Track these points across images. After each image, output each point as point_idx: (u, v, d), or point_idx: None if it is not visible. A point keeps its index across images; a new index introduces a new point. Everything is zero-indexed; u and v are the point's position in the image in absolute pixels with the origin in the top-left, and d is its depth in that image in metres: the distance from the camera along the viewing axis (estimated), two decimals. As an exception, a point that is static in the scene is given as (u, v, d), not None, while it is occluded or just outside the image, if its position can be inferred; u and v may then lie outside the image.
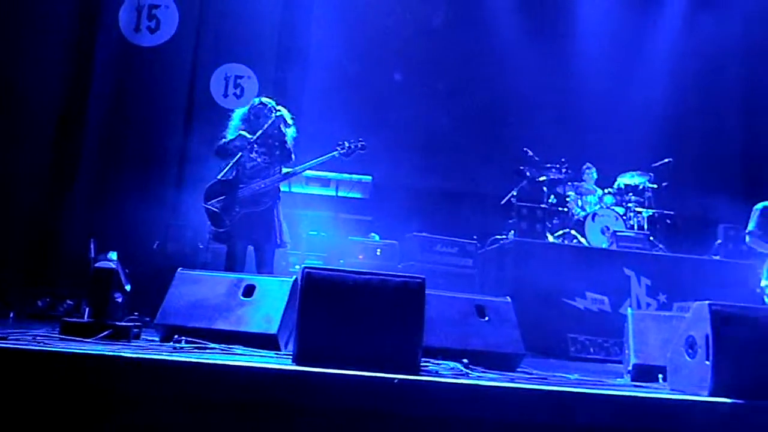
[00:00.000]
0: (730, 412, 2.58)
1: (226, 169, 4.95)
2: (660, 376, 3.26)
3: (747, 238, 5.94)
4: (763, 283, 5.66)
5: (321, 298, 2.62)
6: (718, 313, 2.74)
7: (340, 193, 7.62)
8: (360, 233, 7.53)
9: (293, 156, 5.17)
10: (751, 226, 5.89)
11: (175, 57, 8.20)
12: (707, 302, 2.77)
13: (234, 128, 5.18)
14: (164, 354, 2.58)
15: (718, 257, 7.27)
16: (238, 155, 4.97)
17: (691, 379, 2.81)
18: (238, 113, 5.31)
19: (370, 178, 7.72)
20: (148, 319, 3.93)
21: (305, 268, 2.69)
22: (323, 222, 7.42)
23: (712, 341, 2.71)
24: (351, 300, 2.62)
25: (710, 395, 2.65)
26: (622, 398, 2.51)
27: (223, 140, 5.12)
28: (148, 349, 2.84)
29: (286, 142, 5.16)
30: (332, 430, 2.34)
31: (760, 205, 5.92)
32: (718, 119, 10.10)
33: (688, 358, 2.87)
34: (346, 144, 5.17)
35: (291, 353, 2.69)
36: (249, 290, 3.54)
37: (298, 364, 2.52)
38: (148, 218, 6.95)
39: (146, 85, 7.99)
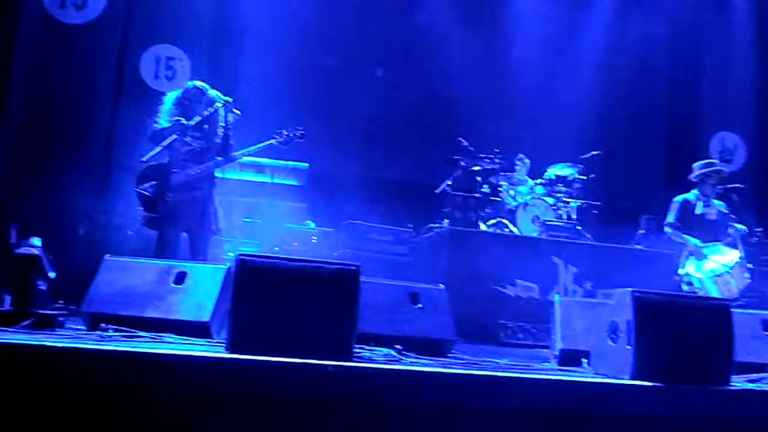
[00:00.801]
0: (650, 394, 2.71)
1: (153, 153, 4.79)
2: (584, 360, 3.39)
3: (666, 229, 6.23)
4: (681, 271, 5.96)
5: (255, 286, 2.60)
6: (639, 300, 2.87)
7: (275, 180, 7.52)
8: (295, 220, 7.48)
9: (228, 147, 5.08)
10: (670, 218, 6.18)
11: (103, 36, 7.89)
12: (629, 290, 2.90)
13: (166, 112, 5.03)
14: (90, 343, 2.50)
15: (640, 247, 7.59)
16: (170, 138, 4.83)
17: (613, 363, 2.94)
18: (171, 97, 5.15)
19: (307, 165, 7.66)
20: (73, 307, 3.79)
21: (239, 255, 2.66)
22: (258, 209, 7.32)
23: (634, 327, 2.83)
24: (285, 287, 2.61)
25: (631, 379, 2.77)
26: (548, 382, 2.61)
27: (158, 126, 4.96)
28: (73, 338, 2.74)
29: (228, 131, 5.06)
30: (266, 419, 2.34)
31: (679, 198, 6.22)
32: (643, 114, 10.53)
33: (611, 343, 3.00)
34: (284, 132, 5.11)
35: (224, 341, 2.66)
36: (180, 277, 3.47)
37: (231, 352, 2.49)
38: (73, 203, 6.69)
39: (72, 65, 7.65)
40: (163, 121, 4.97)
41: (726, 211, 6.12)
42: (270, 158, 7.30)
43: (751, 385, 2.97)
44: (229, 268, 3.41)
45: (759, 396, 2.87)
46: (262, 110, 7.01)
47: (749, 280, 5.79)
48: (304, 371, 2.35)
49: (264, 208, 7.31)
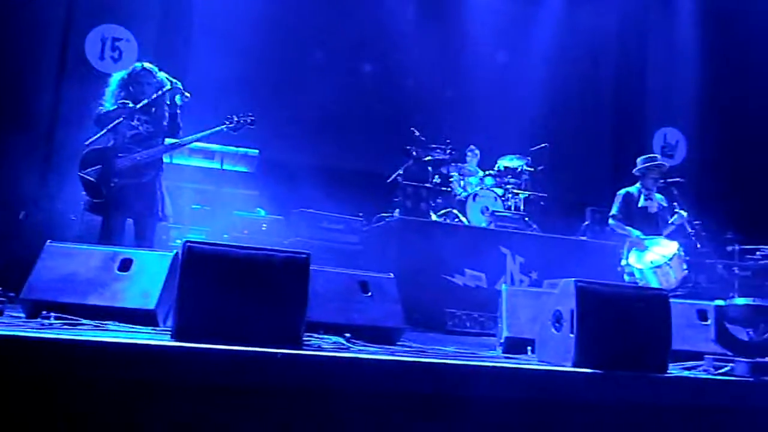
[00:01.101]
0: (591, 381, 2.79)
1: (97, 136, 4.66)
2: (529, 348, 3.47)
3: (610, 221, 6.41)
4: (623, 262, 6.15)
5: (202, 273, 2.56)
6: (582, 290, 2.94)
7: (225, 167, 7.40)
8: (245, 208, 7.39)
9: (176, 132, 4.97)
10: (613, 210, 6.36)
11: (47, 13, 7.61)
12: (573, 280, 2.98)
13: (111, 94, 4.88)
14: (31, 331, 2.43)
15: (585, 238, 7.80)
16: (116, 122, 4.69)
17: (556, 351, 3.01)
18: (117, 78, 5.00)
19: (257, 152, 7.56)
20: (12, 294, 3.67)
21: (186, 242, 2.61)
22: (207, 195, 7.20)
23: (577, 316, 2.91)
24: (234, 275, 2.58)
25: (573, 366, 2.85)
26: (494, 369, 2.66)
27: (103, 109, 4.81)
28: (12, 325, 2.66)
29: (177, 114, 4.95)
30: (213, 407, 2.32)
31: (622, 191, 6.40)
32: (591, 109, 10.79)
33: (554, 332, 3.07)
34: (235, 118, 5.03)
35: (170, 329, 2.62)
36: (125, 264, 3.39)
37: (177, 340, 2.46)
38: (13, 186, 6.45)
39: (13, 43, 7.35)
40: (108, 103, 4.82)
41: (666, 205, 6.34)
42: (220, 144, 7.18)
43: (686, 373, 3.09)
44: (176, 255, 3.35)
45: (694, 383, 2.98)
46: (212, 95, 6.89)
47: (687, 272, 6.01)
48: (252, 359, 2.34)
49: (213, 195, 7.19)
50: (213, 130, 5.02)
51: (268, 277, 2.61)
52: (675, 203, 6.30)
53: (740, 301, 3.25)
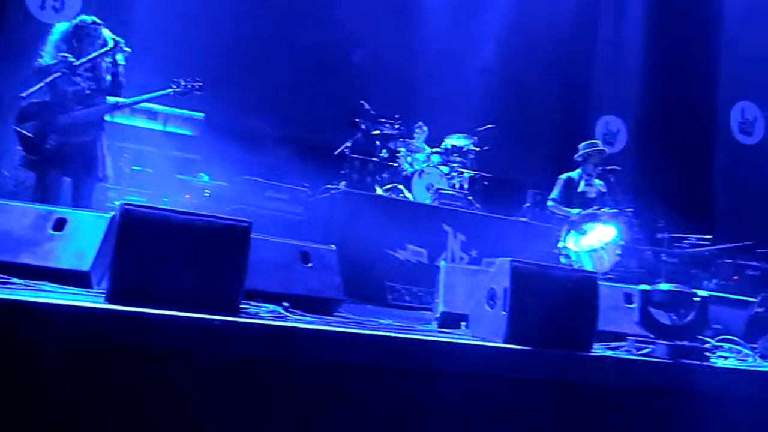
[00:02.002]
0: (520, 357, 2.90)
1: (34, 89, 4.47)
2: (463, 323, 3.56)
3: (549, 203, 6.59)
4: (560, 244, 6.34)
5: (140, 237, 2.52)
6: (517, 269, 3.03)
7: (168, 128, 7.23)
8: (188, 172, 7.25)
9: (120, 91, 4.82)
10: (554, 194, 6.54)
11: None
12: (509, 259, 3.06)
13: (53, 45, 4.68)
14: (-45, 288, 2.35)
15: (525, 219, 7.99)
16: (54, 76, 4.51)
17: (489, 327, 3.10)
18: (60, 29, 4.79)
19: (203, 115, 7.41)
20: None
21: (124, 204, 2.57)
22: (148, 157, 7.03)
23: (510, 294, 3.00)
24: (172, 240, 2.55)
25: (504, 342, 2.94)
26: (427, 342, 2.73)
27: (43, 62, 4.61)
28: (-65, 282, 2.57)
29: (119, 74, 4.79)
30: (147, 372, 2.31)
31: (564, 176, 6.59)
32: (538, 94, 10.97)
33: (488, 309, 3.16)
34: (182, 82, 4.91)
35: (104, 291, 2.58)
36: (60, 224, 3.30)
37: (111, 303, 2.42)
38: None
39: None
40: (48, 56, 4.63)
41: (604, 191, 6.55)
42: (164, 105, 7.00)
43: (609, 353, 3.24)
44: (113, 217, 3.28)
45: (616, 363, 3.13)
46: (158, 54, 6.69)
47: (620, 257, 6.25)
48: (187, 325, 2.33)
49: (155, 157, 7.03)
50: (158, 93, 4.89)
51: (208, 243, 2.59)
52: (610, 194, 6.51)
53: (664, 286, 3.41)
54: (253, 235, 2.72)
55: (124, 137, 6.77)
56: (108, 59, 4.74)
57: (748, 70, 10.54)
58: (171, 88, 4.90)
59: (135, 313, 2.29)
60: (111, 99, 4.83)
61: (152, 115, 7.16)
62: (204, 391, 2.36)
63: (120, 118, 7.01)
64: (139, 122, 7.12)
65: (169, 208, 2.67)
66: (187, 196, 6.93)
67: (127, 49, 4.78)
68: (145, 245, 2.53)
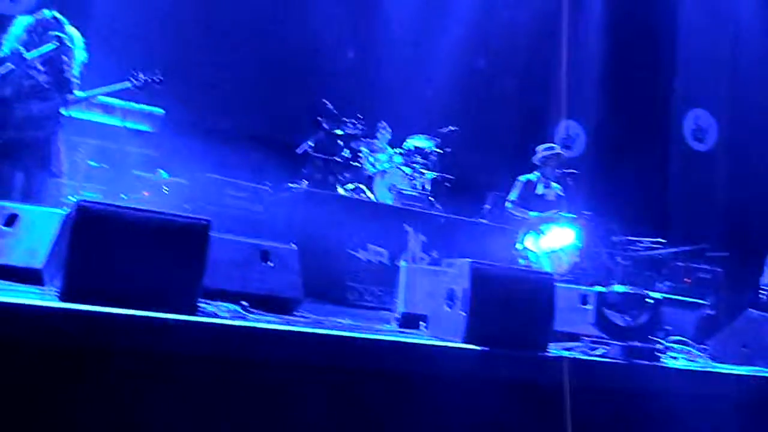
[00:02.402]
0: (478, 357, 2.94)
1: None
2: (422, 323, 3.59)
3: (507, 205, 6.68)
4: (518, 246, 6.43)
5: (95, 234, 2.47)
6: (476, 270, 3.07)
7: (126, 124, 7.05)
8: (146, 169, 7.10)
9: (76, 85, 4.72)
10: (512, 196, 6.63)
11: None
12: (469, 260, 3.10)
13: (14, 38, 4.57)
14: None
15: (485, 221, 8.07)
16: (5, 69, 4.39)
17: (448, 327, 3.14)
18: (23, 22, 4.68)
19: (162, 111, 7.27)
20: None
21: (79, 200, 2.51)
22: (105, 153, 6.86)
23: (469, 294, 3.04)
24: (129, 238, 2.50)
25: (462, 342, 2.98)
26: (386, 342, 2.74)
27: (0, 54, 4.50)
28: None
29: (72, 68, 4.68)
30: (100, 371, 2.26)
31: (522, 178, 6.68)
32: (500, 96, 11.10)
33: (447, 309, 3.19)
34: (142, 76, 4.82)
35: (57, 290, 2.52)
36: (11, 219, 3.21)
37: (64, 302, 2.37)
38: None
39: None
40: (6, 49, 4.52)
41: (562, 194, 6.66)
42: (122, 99, 6.84)
43: (565, 353, 3.30)
44: (68, 213, 3.21)
45: (571, 363, 3.19)
46: (118, 47, 6.57)
47: (578, 259, 6.37)
48: (143, 324, 2.29)
49: (112, 153, 6.87)
50: (117, 86, 4.81)
51: (165, 241, 2.55)
52: (567, 197, 6.63)
53: (619, 288, 3.50)
54: (213, 233, 2.69)
55: (80, 132, 6.57)
56: (67, 56, 4.64)
57: (702, 78, 10.87)
58: (130, 81, 4.81)
59: (89, 312, 2.25)
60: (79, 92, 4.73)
61: (110, 109, 6.97)
62: (160, 392, 2.32)
63: (76, 113, 6.80)
64: (96, 117, 6.92)
65: (126, 205, 2.62)
66: (145, 193, 6.79)
67: (81, 54, 4.69)
68: (100, 242, 2.48)
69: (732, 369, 3.84)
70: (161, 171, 7.25)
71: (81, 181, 6.53)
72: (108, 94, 4.90)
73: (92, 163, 6.75)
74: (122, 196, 6.48)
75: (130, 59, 5.52)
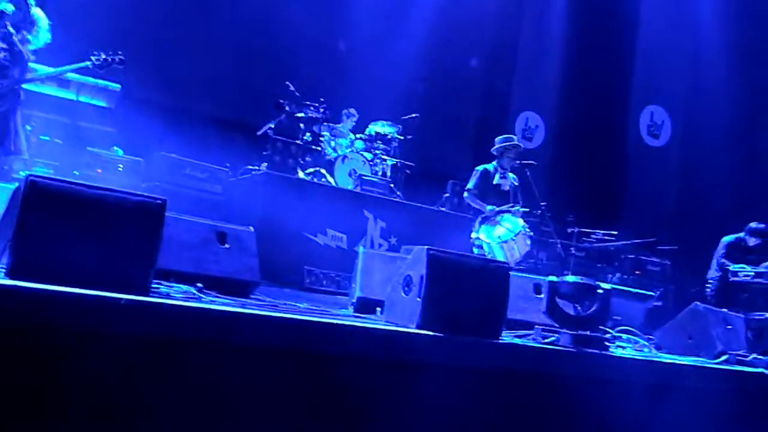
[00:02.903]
0: (432, 343, 2.97)
1: None
2: (378, 309, 3.61)
3: (465, 194, 6.73)
4: (474, 235, 6.49)
5: (45, 210, 2.40)
6: (433, 257, 3.10)
7: (81, 98, 6.86)
8: (101, 145, 6.93)
9: (31, 63, 4.60)
10: (470, 185, 6.67)
11: None
12: (426, 247, 3.12)
13: None
14: None
15: (444, 209, 8.14)
16: None
17: (403, 313, 3.16)
18: None
19: (119, 86, 7.09)
20: None
21: (30, 175, 2.44)
22: (58, 127, 6.66)
23: (426, 281, 3.06)
24: (81, 215, 2.44)
25: (417, 328, 3.01)
26: (341, 327, 2.75)
27: None
28: None
29: (29, 44, 4.55)
30: (49, 350, 2.21)
31: (480, 168, 6.72)
32: (462, 86, 11.17)
33: (403, 295, 3.22)
34: (102, 56, 4.71)
35: (4, 266, 2.45)
36: (-43, 194, 3.10)
37: (11, 278, 2.30)
38: None
39: None
40: None
41: (518, 184, 6.74)
42: (77, 73, 6.65)
43: (517, 340, 3.36)
44: (18, 187, 3.11)
45: (522, 350, 3.26)
46: (76, 24, 6.35)
47: (530, 248, 6.46)
48: (93, 303, 2.25)
49: (65, 128, 6.68)
50: (76, 65, 4.69)
51: (118, 220, 2.50)
52: (523, 188, 6.72)
53: (571, 278, 3.57)
54: (168, 213, 2.65)
55: (32, 104, 6.36)
56: (19, 34, 4.50)
57: (660, 75, 11.11)
58: (90, 60, 4.69)
59: (37, 289, 2.19)
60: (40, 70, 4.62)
61: (64, 83, 6.76)
62: (110, 372, 2.29)
63: (29, 85, 6.61)
64: (50, 90, 6.71)
65: (78, 181, 2.56)
66: (99, 171, 6.62)
67: (45, 35, 4.56)
68: (50, 219, 2.42)
69: (676, 359, 3.97)
70: (117, 148, 7.09)
71: (32, 155, 6.33)
72: (68, 72, 4.79)
73: (44, 137, 6.55)
74: (75, 172, 6.32)
75: (92, 36, 5.39)
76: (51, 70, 4.68)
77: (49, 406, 2.20)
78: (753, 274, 7.34)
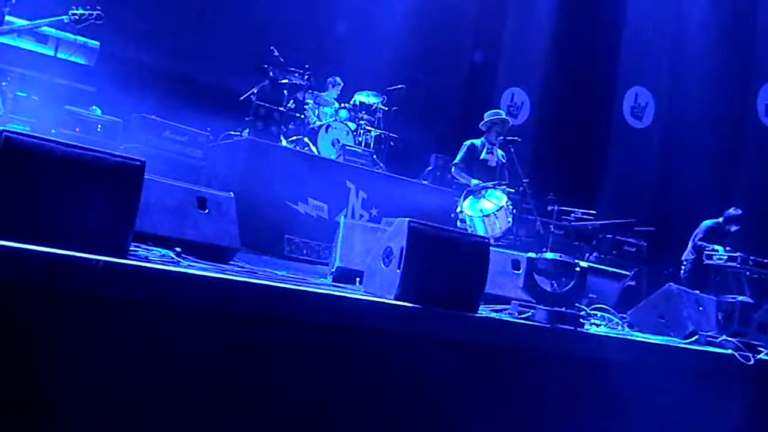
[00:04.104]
0: (409, 314, 2.98)
1: None
2: (358, 279, 3.61)
3: (452, 168, 6.73)
4: (458, 209, 6.51)
5: (20, 167, 2.35)
6: (414, 230, 3.09)
7: (59, 55, 6.67)
8: (79, 104, 6.78)
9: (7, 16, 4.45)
10: (457, 159, 6.68)
11: None
12: (407, 219, 3.12)
13: None
14: None
15: (426, 182, 8.13)
16: None
17: (382, 284, 3.17)
18: None
19: (98, 44, 6.91)
20: None
21: (4, 131, 2.38)
22: (35, 83, 6.49)
23: (405, 253, 3.06)
24: (57, 174, 2.39)
25: (395, 299, 3.02)
26: (318, 295, 2.74)
27: None
28: None
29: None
30: (26, 310, 2.18)
31: (468, 142, 6.72)
32: (449, 60, 11.09)
33: (383, 266, 3.22)
34: (80, 11, 4.57)
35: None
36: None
37: (-16, 236, 2.26)
38: None
39: None
40: None
41: (504, 161, 6.75)
42: (55, 29, 6.46)
43: (494, 315, 3.39)
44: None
45: (499, 324, 3.29)
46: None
47: (511, 224, 6.50)
48: (70, 263, 2.22)
49: (43, 84, 6.50)
50: (53, 18, 4.55)
51: (97, 180, 2.45)
52: (508, 163, 6.74)
53: (549, 255, 3.60)
54: (147, 175, 2.61)
55: (7, 59, 6.20)
56: None
57: (644, 57, 11.12)
58: (67, 15, 4.57)
59: (11, 248, 2.15)
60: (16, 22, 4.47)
61: (42, 38, 6.57)
62: (84, 333, 2.27)
63: (5, 38, 6.42)
64: (27, 45, 6.51)
65: (56, 139, 2.50)
66: (77, 130, 6.49)
67: None
68: (26, 177, 2.37)
69: (648, 337, 4.04)
70: (95, 108, 6.94)
71: (8, 111, 6.19)
72: (43, 26, 4.65)
73: (21, 93, 6.39)
74: (52, 131, 6.19)
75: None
76: (26, 22, 4.54)
77: (22, 369, 2.17)
78: (726, 257, 7.46)
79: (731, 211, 7.83)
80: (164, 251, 2.89)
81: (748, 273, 7.51)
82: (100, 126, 6.66)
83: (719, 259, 7.52)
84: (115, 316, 2.32)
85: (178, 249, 2.97)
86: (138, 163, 2.56)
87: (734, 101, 10.15)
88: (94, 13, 4.63)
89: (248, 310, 2.52)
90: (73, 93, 6.72)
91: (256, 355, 2.57)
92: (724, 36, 10.22)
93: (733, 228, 7.75)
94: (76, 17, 4.59)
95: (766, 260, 7.54)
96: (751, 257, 7.44)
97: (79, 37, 6.71)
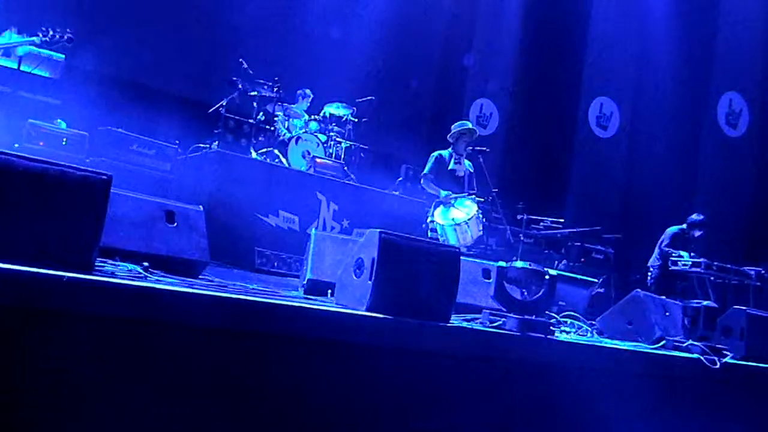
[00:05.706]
0: (381, 325, 2.98)
1: None
2: (329, 291, 3.60)
3: (421, 180, 6.77)
4: (429, 219, 6.54)
5: (-18, 182, 2.30)
6: (385, 241, 3.10)
7: (23, 68, 6.56)
8: (44, 117, 6.65)
9: None
10: (426, 170, 6.72)
11: None
12: (378, 230, 3.12)
13: None
14: None
15: (397, 193, 8.16)
16: None
17: (353, 296, 3.16)
18: None
19: (63, 56, 6.81)
20: None
21: (-34, 145, 2.33)
22: (-3, 97, 6.38)
23: (377, 264, 3.06)
24: (20, 189, 2.35)
25: (367, 310, 3.01)
26: (289, 308, 2.73)
27: None
28: None
29: None
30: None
31: (436, 153, 6.77)
32: (419, 72, 11.18)
33: (354, 278, 3.21)
34: (50, 32, 4.50)
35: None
36: None
37: (-56, 253, 2.21)
38: None
39: None
40: None
41: (472, 171, 6.81)
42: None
43: (465, 324, 3.40)
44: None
45: (470, 333, 3.30)
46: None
47: (482, 233, 6.55)
48: (33, 280, 2.17)
49: (6, 98, 6.38)
50: (23, 39, 4.47)
51: (61, 195, 2.41)
52: (476, 174, 6.80)
53: (519, 264, 3.63)
54: (114, 189, 2.57)
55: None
56: None
57: (609, 68, 11.35)
58: (38, 36, 4.50)
59: (-28, 265, 2.10)
60: None
61: (6, 51, 6.46)
62: (48, 350, 2.22)
63: (-34, 51, 6.30)
64: (-11, 58, 6.41)
65: (19, 153, 2.45)
66: (41, 144, 6.37)
67: None
68: (-12, 192, 2.32)
69: (616, 344, 4.10)
70: (60, 121, 6.83)
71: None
72: (11, 47, 4.56)
73: (-17, 107, 6.26)
74: (15, 145, 6.07)
75: (41, 4, 5.15)
76: None
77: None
78: (690, 263, 7.62)
79: (694, 216, 8.01)
80: (131, 266, 2.85)
81: (712, 278, 7.68)
82: (65, 140, 6.55)
83: (684, 264, 7.67)
84: (81, 333, 2.27)
85: (146, 263, 2.93)
86: (104, 177, 2.53)
87: (696, 111, 10.40)
88: (66, 35, 4.56)
89: (218, 324, 2.50)
90: (38, 106, 6.59)
91: (226, 369, 2.54)
92: (687, 47, 10.49)
93: (697, 233, 7.93)
94: (47, 39, 4.52)
95: (728, 265, 7.72)
96: (715, 263, 7.61)
97: (43, 50, 6.61)
